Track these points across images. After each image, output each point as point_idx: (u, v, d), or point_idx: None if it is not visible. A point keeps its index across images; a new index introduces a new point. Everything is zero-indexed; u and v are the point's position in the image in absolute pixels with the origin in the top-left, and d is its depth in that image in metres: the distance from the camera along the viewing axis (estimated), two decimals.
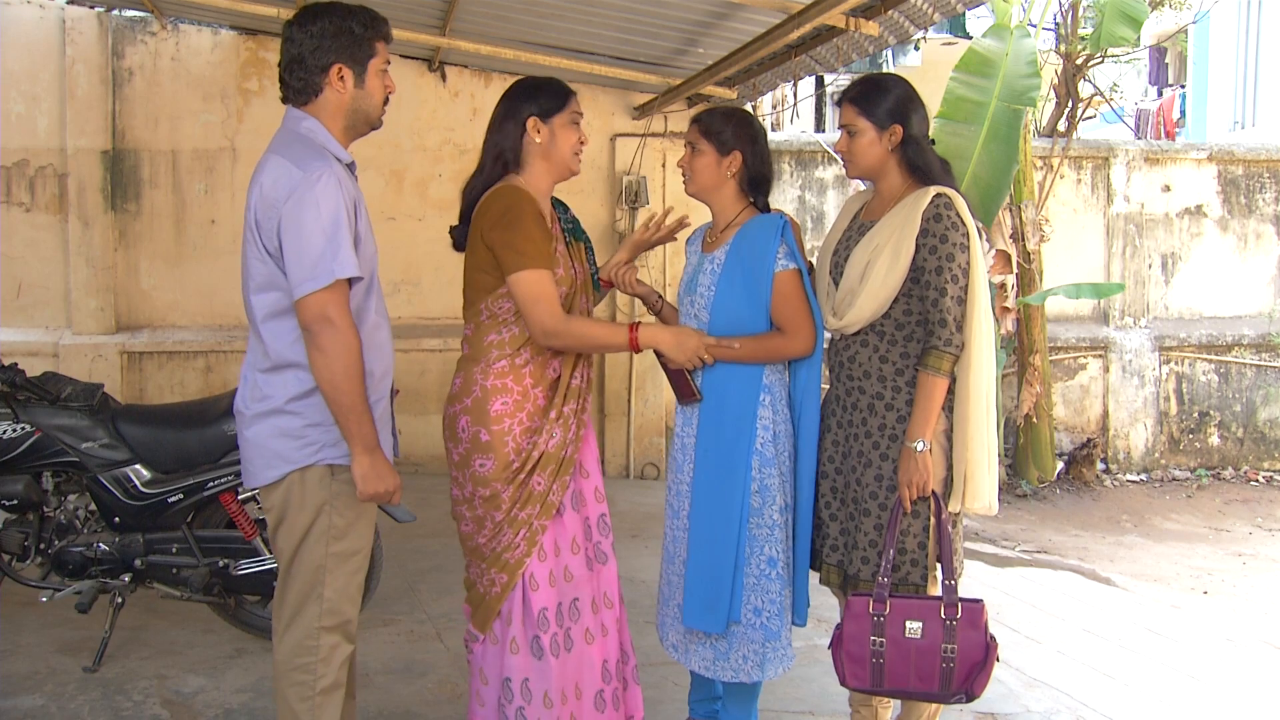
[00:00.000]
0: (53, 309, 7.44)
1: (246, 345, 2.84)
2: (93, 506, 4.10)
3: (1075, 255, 9.24)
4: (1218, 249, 9.58)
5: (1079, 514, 8.26)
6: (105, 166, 7.40)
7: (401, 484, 2.73)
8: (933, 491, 2.98)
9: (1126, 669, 4.49)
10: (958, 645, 2.91)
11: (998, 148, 6.68)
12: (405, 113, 7.59)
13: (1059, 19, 9.21)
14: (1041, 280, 8.53)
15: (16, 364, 4.16)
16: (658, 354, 3.16)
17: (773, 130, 14.17)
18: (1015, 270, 8.09)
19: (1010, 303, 8.03)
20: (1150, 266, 9.47)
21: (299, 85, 2.73)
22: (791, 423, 3.18)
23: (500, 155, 3.02)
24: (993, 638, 2.95)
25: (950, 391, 3.01)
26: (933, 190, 3.00)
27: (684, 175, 3.28)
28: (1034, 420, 8.54)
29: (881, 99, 3.07)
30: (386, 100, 2.82)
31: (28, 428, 3.99)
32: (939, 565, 3.04)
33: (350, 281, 2.63)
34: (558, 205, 3.18)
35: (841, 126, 3.14)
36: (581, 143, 3.08)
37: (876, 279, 3.01)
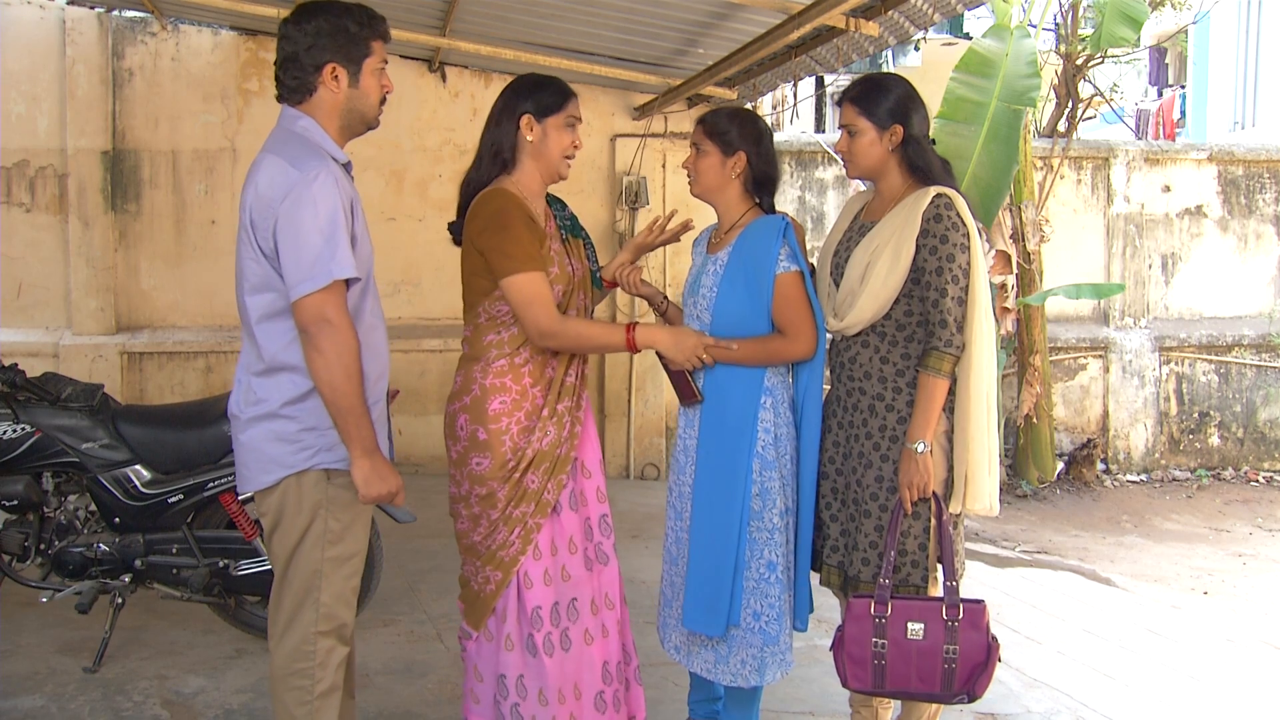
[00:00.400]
0: (53, 309, 7.45)
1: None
2: (93, 507, 4.10)
3: (1075, 255, 9.24)
4: (1218, 249, 9.58)
5: (1079, 514, 8.26)
6: (105, 167, 7.40)
7: (403, 485, 2.71)
8: (933, 492, 2.98)
9: (1127, 669, 4.49)
10: (959, 646, 2.91)
11: (998, 148, 6.67)
12: (405, 113, 7.59)
13: (1059, 19, 9.21)
14: (1041, 280, 8.53)
15: (16, 364, 4.16)
16: (659, 355, 3.15)
17: (773, 130, 14.17)
18: (1015, 270, 8.09)
19: (1010, 303, 8.03)
20: (1150, 267, 9.47)
21: (293, 84, 2.71)
22: (793, 425, 3.18)
23: (498, 152, 3.01)
24: (994, 638, 2.95)
25: (951, 392, 3.01)
26: (933, 190, 3.00)
27: (689, 176, 3.26)
28: (1034, 420, 8.54)
29: (882, 99, 3.06)
30: (384, 100, 2.79)
31: (28, 428, 3.99)
32: (940, 566, 3.04)
33: (348, 283, 2.61)
34: (554, 203, 3.17)
35: (842, 126, 3.14)
36: (575, 147, 3.06)
37: (877, 280, 3.00)
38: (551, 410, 2.99)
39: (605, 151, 7.89)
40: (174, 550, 4.09)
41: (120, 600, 4.11)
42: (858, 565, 3.08)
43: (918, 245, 2.97)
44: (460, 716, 3.23)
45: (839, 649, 3.03)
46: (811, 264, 3.22)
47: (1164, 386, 9.46)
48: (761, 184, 3.23)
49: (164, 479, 4.07)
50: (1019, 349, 8.61)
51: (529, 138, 2.99)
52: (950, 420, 3.03)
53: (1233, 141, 11.99)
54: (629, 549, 5.89)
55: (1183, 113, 16.38)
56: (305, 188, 2.55)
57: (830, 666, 3.11)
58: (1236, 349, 9.49)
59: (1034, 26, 7.54)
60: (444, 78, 7.76)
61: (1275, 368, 9.53)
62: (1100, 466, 9.17)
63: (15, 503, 3.99)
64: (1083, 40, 8.92)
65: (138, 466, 4.06)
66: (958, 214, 2.97)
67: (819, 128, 16.75)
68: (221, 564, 4.10)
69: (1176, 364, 9.46)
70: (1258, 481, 9.34)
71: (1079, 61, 8.97)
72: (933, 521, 3.01)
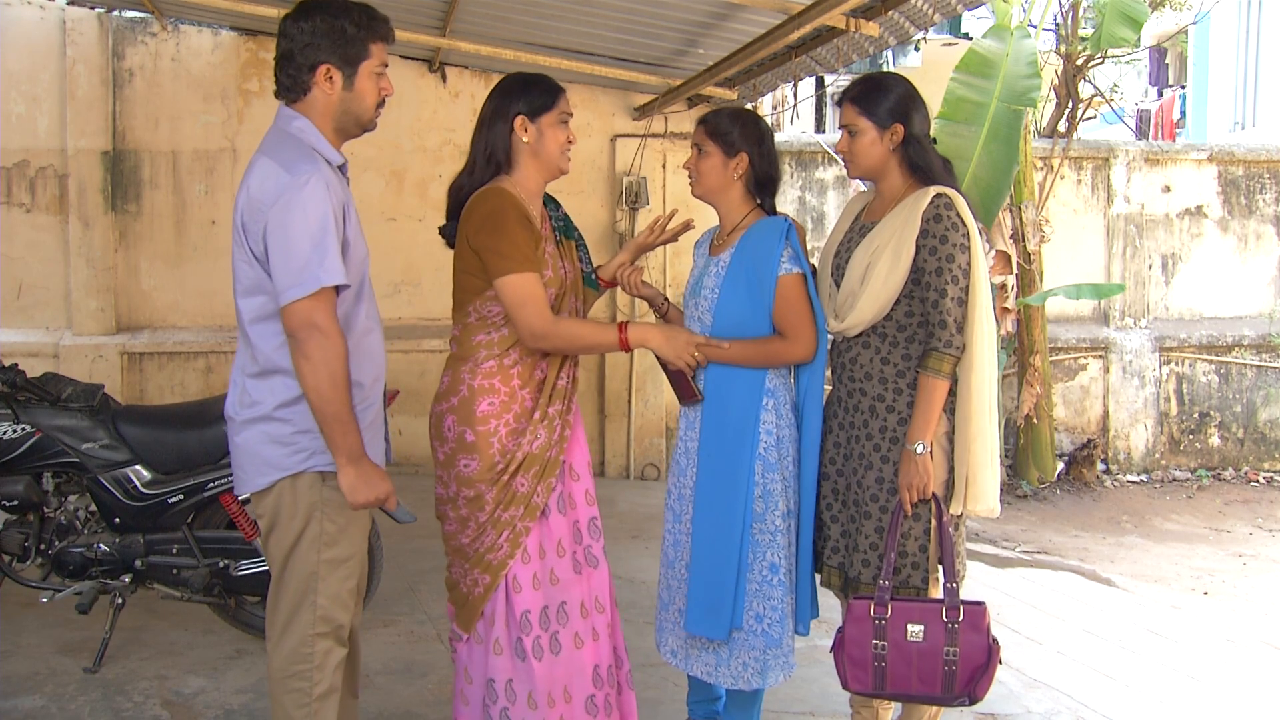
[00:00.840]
0: (53, 310, 7.45)
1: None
2: (93, 507, 4.10)
3: (1075, 256, 9.24)
4: (1218, 249, 9.58)
5: (1079, 515, 8.26)
6: (106, 167, 7.40)
7: (394, 489, 2.70)
8: (934, 494, 2.98)
9: (1127, 670, 4.49)
10: (960, 648, 2.90)
11: (998, 148, 6.67)
12: (405, 113, 7.58)
13: (1059, 19, 9.21)
14: (1042, 281, 8.53)
15: (17, 365, 4.16)
16: (657, 355, 3.15)
17: (773, 131, 14.16)
18: (1015, 271, 8.09)
19: (1010, 303, 8.03)
20: (1150, 267, 9.47)
21: (288, 82, 2.68)
22: (795, 427, 3.17)
23: (491, 156, 2.99)
24: (995, 640, 2.94)
25: (951, 393, 3.00)
26: (932, 190, 2.99)
27: (690, 177, 3.25)
28: (1034, 421, 8.54)
29: (882, 98, 3.06)
30: (382, 103, 2.75)
31: (28, 428, 3.99)
32: (940, 568, 3.03)
33: (338, 288, 2.58)
34: (549, 203, 3.15)
35: (842, 126, 3.13)
36: (570, 141, 3.05)
37: (877, 281, 3.00)
38: (543, 413, 2.97)
39: (605, 152, 7.89)
40: (174, 550, 4.09)
41: (120, 600, 4.11)
42: (858, 567, 3.07)
43: (917, 246, 2.96)
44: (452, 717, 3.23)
45: (839, 650, 3.02)
46: (813, 265, 3.21)
47: (1164, 387, 9.46)
48: (763, 185, 3.22)
49: (164, 479, 4.07)
50: (1019, 349, 8.61)
51: (525, 139, 2.98)
52: (951, 421, 3.02)
53: (1233, 142, 11.99)
54: (629, 549, 5.89)
55: (1183, 113, 16.39)
56: (296, 192, 2.52)
57: (831, 667, 3.11)
58: (1237, 349, 9.49)
59: (1034, 27, 7.54)
60: (444, 78, 7.76)
61: (1275, 368, 9.53)
62: (1100, 467, 9.17)
63: (15, 503, 3.99)
64: (1083, 40, 8.92)
65: (138, 467, 4.06)
66: (957, 214, 2.97)
67: (819, 128, 16.75)
68: (222, 564, 4.10)
69: (1177, 364, 9.46)
70: (1258, 482, 9.34)
71: (1079, 62, 8.97)
72: (933, 523, 3.01)
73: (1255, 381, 9.55)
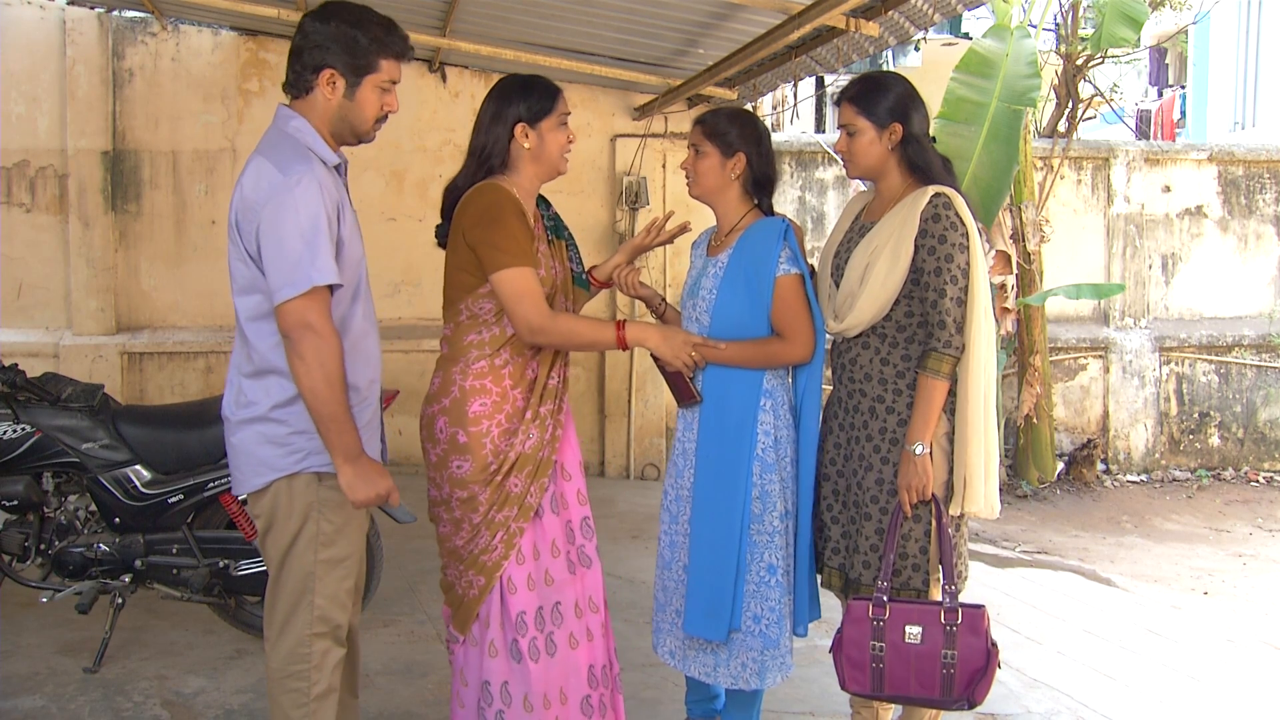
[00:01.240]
0: (53, 310, 7.44)
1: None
2: (93, 507, 4.09)
3: (1075, 256, 9.24)
4: (1218, 250, 9.58)
5: (1079, 514, 8.26)
6: (106, 167, 7.40)
7: (394, 485, 2.69)
8: (933, 495, 2.97)
9: (1127, 670, 4.49)
10: (958, 651, 2.88)
11: (998, 148, 6.67)
12: (406, 113, 7.54)
13: (1059, 19, 9.21)
14: (1042, 281, 8.53)
15: (17, 364, 4.16)
16: (654, 357, 3.14)
17: (773, 131, 14.16)
18: (1015, 271, 8.09)
19: (1010, 303, 8.03)
20: (1150, 267, 9.47)
21: (293, 79, 2.69)
22: (793, 428, 3.17)
23: (486, 160, 2.99)
24: (994, 644, 2.93)
25: (951, 394, 3.00)
26: (931, 190, 2.98)
27: (687, 178, 3.24)
28: (1034, 421, 8.54)
29: (881, 97, 3.05)
30: (384, 119, 2.75)
31: (28, 428, 3.99)
32: (941, 569, 3.03)
33: (331, 288, 2.58)
34: (540, 203, 3.14)
35: (841, 126, 3.12)
36: (570, 141, 3.05)
37: (876, 281, 2.99)
38: (534, 413, 2.97)
39: (605, 152, 7.89)
40: (174, 550, 4.09)
41: (120, 600, 4.11)
42: (858, 568, 3.07)
43: (916, 245, 2.95)
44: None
45: (838, 651, 3.02)
46: (812, 265, 3.21)
47: (1164, 387, 9.46)
48: (761, 185, 3.22)
49: (164, 479, 4.07)
50: (1019, 349, 8.61)
51: (526, 145, 2.97)
52: (951, 422, 3.01)
53: (1233, 142, 11.98)
54: (628, 549, 5.89)
55: (1183, 113, 16.38)
56: (288, 192, 2.53)
57: (831, 666, 3.10)
58: (1237, 349, 9.49)
59: (1034, 26, 7.54)
60: (444, 78, 7.76)
61: (1275, 368, 9.53)
62: (1100, 467, 9.17)
63: (15, 503, 3.99)
64: (1083, 40, 8.92)
65: (138, 467, 4.05)
66: (956, 213, 2.96)
67: (819, 128, 16.74)
68: (222, 564, 4.10)
69: (1176, 364, 9.46)
70: (1258, 482, 9.34)
71: (1079, 61, 8.97)
72: (933, 524, 3.00)
73: (1255, 381, 9.55)
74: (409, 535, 4.79)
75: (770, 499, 3.10)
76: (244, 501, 4.06)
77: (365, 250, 2.81)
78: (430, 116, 7.76)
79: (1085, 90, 9.47)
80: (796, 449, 3.16)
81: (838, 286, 3.12)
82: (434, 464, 3.00)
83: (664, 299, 3.39)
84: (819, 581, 3.26)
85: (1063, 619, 5.18)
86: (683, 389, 3.15)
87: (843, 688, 3.04)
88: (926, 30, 5.30)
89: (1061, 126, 9.04)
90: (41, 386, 4.10)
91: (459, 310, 2.98)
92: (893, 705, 3.31)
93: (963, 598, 2.99)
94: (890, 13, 4.64)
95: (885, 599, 2.94)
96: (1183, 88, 16.99)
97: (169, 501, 4.06)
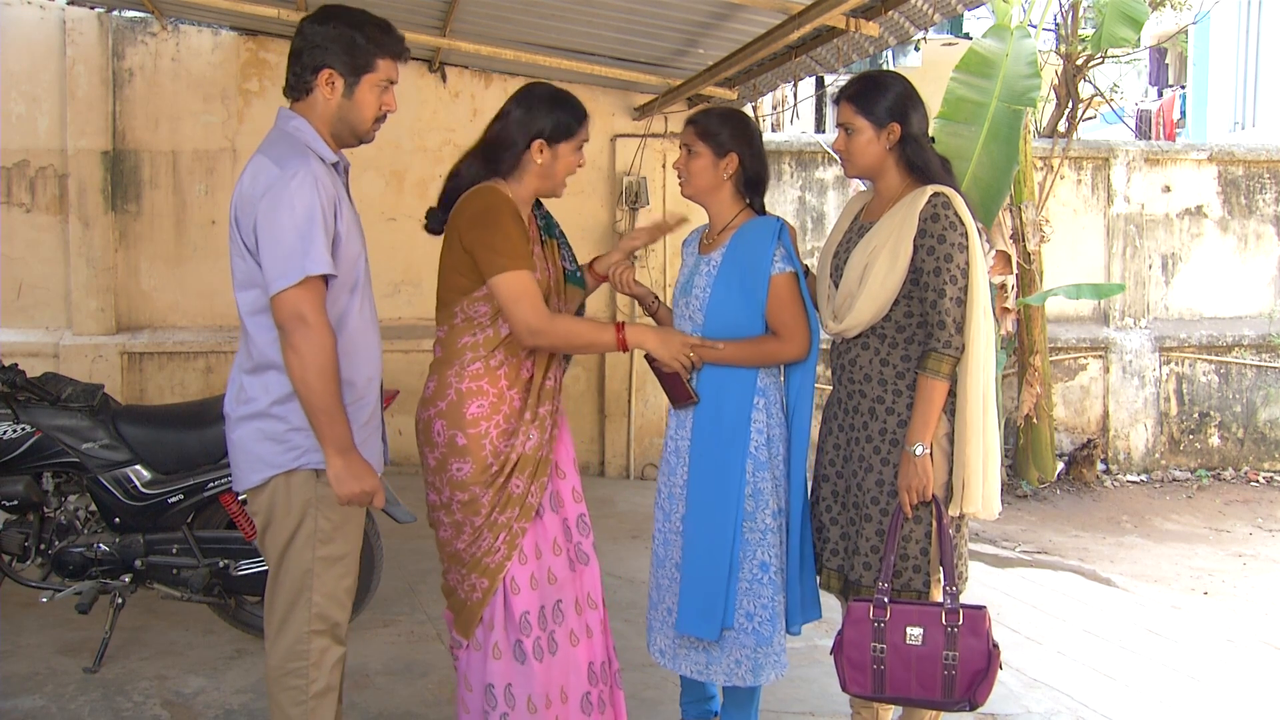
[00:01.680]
0: (53, 309, 7.44)
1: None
2: (93, 507, 4.10)
3: (1075, 256, 9.24)
4: (1218, 250, 9.58)
5: (1079, 514, 8.26)
6: (106, 167, 7.40)
7: (381, 485, 2.70)
8: (934, 496, 2.97)
9: (1127, 670, 4.49)
10: (959, 653, 2.87)
11: (998, 148, 6.67)
12: (405, 113, 7.55)
13: (1059, 19, 9.21)
14: (1042, 281, 8.53)
15: (17, 364, 4.16)
16: (648, 359, 3.14)
17: (773, 131, 14.17)
18: (1015, 271, 8.09)
19: (1010, 303, 8.03)
20: (1150, 267, 9.47)
21: (293, 81, 2.73)
22: (785, 426, 3.18)
23: (495, 160, 2.99)
24: (996, 645, 2.92)
25: (951, 394, 2.99)
26: (930, 190, 2.98)
27: (679, 177, 3.26)
28: (1034, 421, 8.54)
29: (880, 97, 3.04)
30: (383, 118, 2.78)
31: (28, 428, 3.99)
32: (941, 570, 3.02)
33: (327, 281, 2.61)
34: (535, 204, 3.15)
35: (839, 124, 3.11)
36: (580, 165, 3.06)
37: (875, 281, 2.99)
38: (533, 414, 2.97)
39: (605, 152, 7.89)
40: (174, 550, 4.09)
41: (120, 600, 4.12)
42: (859, 570, 3.07)
43: (915, 245, 2.95)
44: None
45: (838, 652, 3.01)
46: (805, 265, 3.22)
47: (1164, 387, 9.46)
48: (753, 185, 3.23)
49: (164, 479, 4.07)
50: (1019, 349, 8.61)
51: (538, 160, 2.98)
52: (951, 422, 3.01)
53: (1233, 141, 11.98)
54: (628, 549, 5.89)
55: (1183, 113, 16.38)
56: (284, 185, 2.57)
57: (831, 667, 3.10)
58: (1236, 349, 9.49)
59: (1034, 26, 7.54)
60: (444, 78, 7.75)
61: (1275, 368, 9.53)
62: (1100, 467, 9.17)
63: (15, 503, 3.99)
64: (1083, 40, 8.92)
65: (138, 466, 4.06)
66: (955, 213, 2.95)
67: (819, 128, 16.74)
68: (221, 564, 4.10)
69: (1176, 364, 9.46)
70: (1258, 482, 9.34)
71: (1079, 61, 8.97)
72: (934, 525, 3.00)
73: (1255, 381, 9.55)
74: (409, 535, 4.79)
75: (763, 497, 3.11)
76: (244, 501, 4.06)
77: (366, 250, 2.82)
78: (430, 116, 7.76)
79: (1085, 90, 9.47)
80: (788, 447, 3.17)
81: (837, 287, 3.11)
82: (433, 468, 3.00)
83: (657, 297, 3.40)
84: (818, 583, 3.25)
85: (1063, 619, 5.18)
86: (679, 390, 3.15)
87: (844, 689, 3.03)
88: (926, 30, 5.30)
89: (1061, 126, 9.04)
90: (41, 386, 4.10)
91: (453, 313, 2.98)
92: (893, 706, 3.30)
93: (963, 598, 2.98)
94: (890, 13, 4.63)
95: (886, 600, 2.94)
96: (1183, 88, 16.99)
97: (169, 501, 4.06)
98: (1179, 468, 9.45)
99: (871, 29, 4.73)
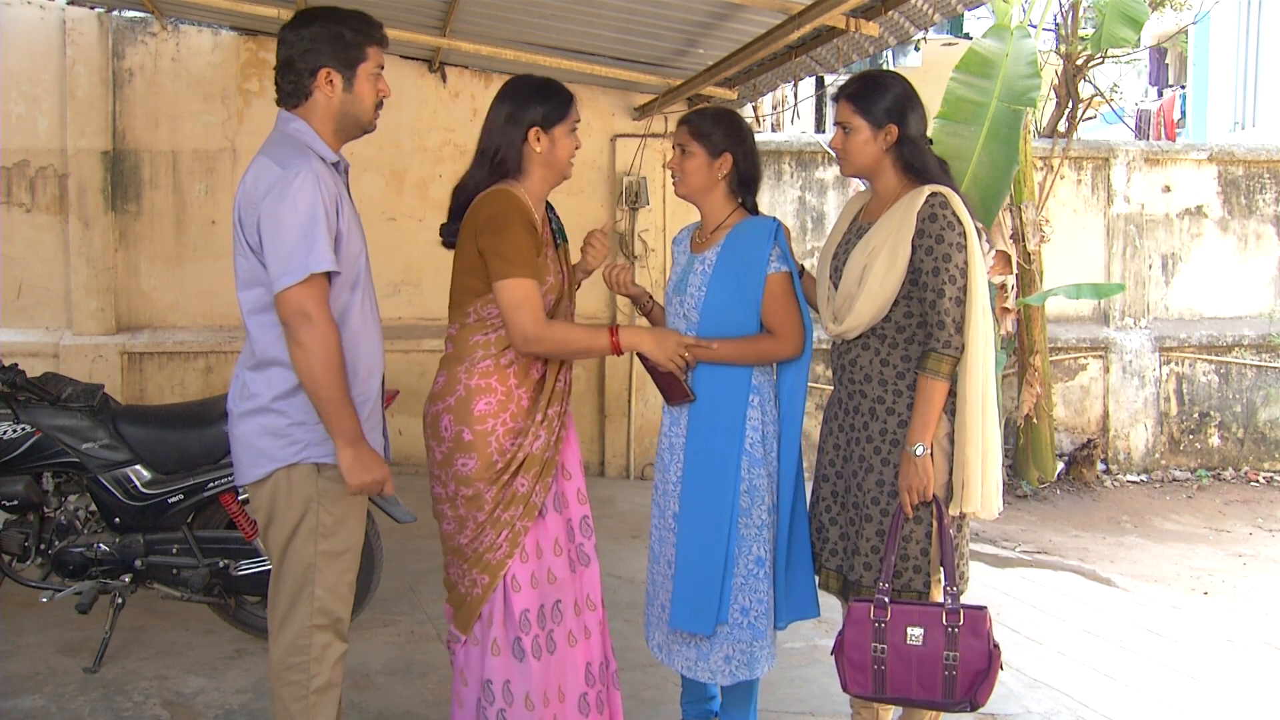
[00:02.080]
0: (53, 309, 7.44)
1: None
2: (93, 507, 4.10)
3: (1075, 256, 9.24)
4: (1218, 249, 9.58)
5: (1079, 514, 8.26)
6: (106, 167, 7.40)
7: (390, 474, 2.74)
8: (934, 496, 2.97)
9: (1127, 670, 4.49)
10: (960, 653, 2.87)
11: (998, 148, 6.67)
12: (405, 113, 7.58)
13: (1059, 19, 9.21)
14: (1041, 281, 8.53)
15: (17, 364, 4.16)
16: (642, 358, 3.15)
17: (773, 131, 14.17)
18: (1015, 271, 8.09)
19: (1010, 303, 8.02)
20: (1150, 267, 9.47)
21: (289, 88, 2.77)
22: (779, 423, 3.19)
23: (500, 161, 3.00)
24: (996, 646, 2.92)
25: (951, 394, 2.99)
26: (928, 190, 2.98)
27: (673, 177, 3.27)
28: (1034, 421, 8.54)
29: (878, 97, 3.04)
30: (380, 104, 2.83)
31: (28, 428, 3.99)
32: (942, 570, 3.02)
33: (330, 278, 2.65)
34: (547, 207, 3.16)
35: (837, 123, 3.11)
36: (577, 148, 3.08)
37: (874, 282, 2.99)
38: (543, 414, 2.99)
39: (605, 152, 7.89)
40: (174, 550, 4.10)
41: (120, 600, 4.12)
42: (859, 570, 3.07)
43: (914, 246, 2.95)
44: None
45: (839, 653, 3.01)
46: (801, 265, 3.24)
47: (1164, 387, 9.46)
48: (746, 184, 3.25)
49: (164, 479, 4.07)
50: (1019, 349, 8.61)
51: (538, 149, 3.00)
52: (951, 422, 3.01)
53: (1233, 141, 11.98)
54: (628, 549, 5.89)
55: (1183, 113, 16.37)
56: (286, 184, 2.61)
57: (831, 667, 3.10)
58: (1236, 349, 9.49)
59: (1034, 26, 7.54)
60: (444, 78, 7.75)
61: (1275, 368, 9.53)
62: (1100, 467, 9.17)
63: (15, 503, 3.99)
64: (1083, 40, 8.92)
65: (138, 466, 4.06)
66: (953, 213, 2.95)
67: (819, 128, 16.73)
68: (222, 564, 4.10)
69: (1176, 364, 9.46)
70: (1258, 482, 9.34)
71: (1079, 61, 8.97)
72: (934, 525, 3.00)
73: (1255, 381, 9.55)
74: (409, 535, 4.80)
75: (758, 493, 3.12)
76: (244, 501, 4.07)
77: (367, 248, 2.85)
78: (430, 116, 7.76)
79: (1085, 90, 9.47)
80: (781, 444, 3.18)
81: (836, 288, 3.11)
82: (439, 461, 3.01)
83: (651, 297, 3.42)
84: (816, 583, 3.26)
85: (1063, 619, 5.18)
86: (675, 389, 3.16)
87: (844, 689, 3.03)
88: (926, 30, 5.29)
89: (1061, 126, 9.04)
90: (41, 386, 4.10)
91: (466, 313, 3.00)
92: (893, 706, 3.30)
93: (963, 598, 2.98)
94: (890, 13, 4.63)
95: (886, 601, 2.94)
96: (1183, 88, 16.98)
97: (169, 501, 4.06)
98: (1179, 468, 9.45)
99: (871, 29, 4.73)
